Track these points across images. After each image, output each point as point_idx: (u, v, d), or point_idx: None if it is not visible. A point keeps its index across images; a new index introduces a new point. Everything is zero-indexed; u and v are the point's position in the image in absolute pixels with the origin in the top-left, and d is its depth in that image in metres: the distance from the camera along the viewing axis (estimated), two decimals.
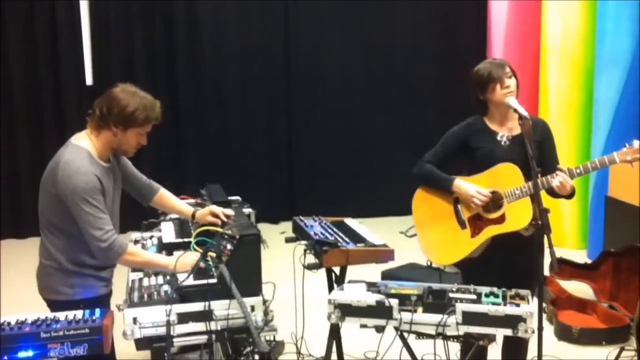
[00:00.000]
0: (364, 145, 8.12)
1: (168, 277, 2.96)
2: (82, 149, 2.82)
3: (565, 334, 4.41)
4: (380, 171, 8.15)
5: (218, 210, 3.14)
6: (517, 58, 7.24)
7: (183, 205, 3.31)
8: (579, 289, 5.03)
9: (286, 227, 7.39)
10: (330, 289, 3.53)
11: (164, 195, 3.29)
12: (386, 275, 5.52)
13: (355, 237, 3.27)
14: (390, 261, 3.17)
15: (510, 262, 3.19)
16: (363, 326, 2.80)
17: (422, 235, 3.28)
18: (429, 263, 5.83)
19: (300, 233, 3.48)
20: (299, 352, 3.80)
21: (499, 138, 3.20)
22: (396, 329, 2.80)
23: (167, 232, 3.53)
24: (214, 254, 2.76)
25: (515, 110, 3.06)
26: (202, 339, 2.74)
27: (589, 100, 6.27)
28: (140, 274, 3.08)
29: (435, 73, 8.15)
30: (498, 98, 3.13)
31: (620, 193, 4.95)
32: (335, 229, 3.38)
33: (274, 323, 2.81)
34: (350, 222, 3.60)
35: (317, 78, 7.96)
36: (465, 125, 3.30)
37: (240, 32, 7.78)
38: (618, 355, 4.13)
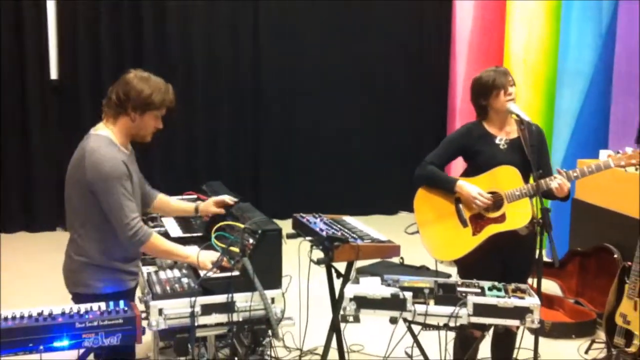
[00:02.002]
0: (331, 145, 8.29)
1: (185, 271, 3.03)
2: (104, 137, 2.87)
3: (537, 328, 4.63)
4: (342, 171, 8.35)
5: (221, 197, 3.27)
6: (480, 65, 7.56)
7: (184, 204, 3.40)
8: (545, 286, 5.29)
9: None
10: (330, 284, 3.67)
11: (164, 199, 3.35)
12: (361, 272, 5.66)
13: (360, 234, 3.40)
14: (396, 257, 3.32)
15: (505, 260, 3.38)
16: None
17: (424, 233, 3.44)
18: (400, 261, 6.10)
19: (302, 229, 3.58)
20: (301, 350, 3.90)
21: (497, 141, 3.39)
22: (405, 320, 2.95)
23: (172, 227, 3.58)
24: (236, 249, 2.85)
25: (518, 116, 3.26)
26: (224, 329, 2.83)
27: (551, 110, 6.59)
28: (153, 268, 3.13)
29: (404, 75, 8.42)
30: (501, 105, 3.33)
31: (587, 195, 5.24)
32: (339, 226, 3.50)
33: (290, 315, 2.91)
34: (349, 219, 3.73)
35: (286, 80, 8.10)
36: (466, 130, 3.48)
37: (209, 31, 7.84)
38: (589, 348, 4.42)
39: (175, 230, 3.50)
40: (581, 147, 6.11)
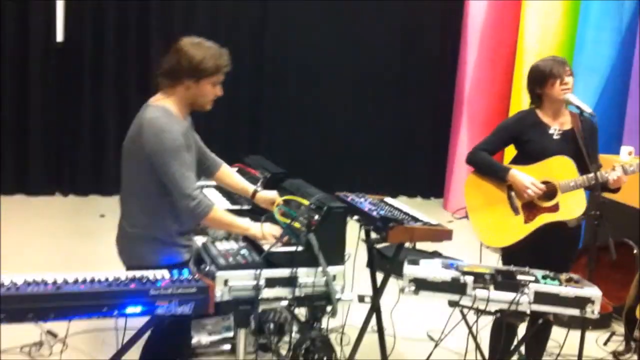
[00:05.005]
0: (333, 129, 8.26)
1: (241, 242, 2.99)
2: (163, 108, 2.79)
3: (556, 319, 4.69)
4: (346, 154, 8.32)
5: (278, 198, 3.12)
6: (492, 55, 7.58)
7: (245, 184, 3.26)
8: None
9: None
10: (372, 264, 3.66)
11: (227, 171, 3.24)
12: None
13: (409, 216, 3.39)
14: (447, 240, 3.30)
15: (549, 250, 3.39)
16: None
17: (475, 219, 3.44)
18: (412, 245, 6.13)
19: (347, 209, 3.54)
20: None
21: (550, 132, 3.40)
22: (455, 303, 2.96)
23: (217, 199, 3.53)
24: (299, 225, 2.82)
25: (578, 107, 3.27)
26: (284, 303, 2.81)
27: None
28: (204, 238, 3.09)
29: (409, 61, 8.41)
30: (556, 94, 3.33)
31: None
32: (386, 206, 3.49)
33: (349, 293, 2.90)
34: (391, 201, 3.71)
35: (291, 66, 8.05)
36: (519, 117, 3.49)
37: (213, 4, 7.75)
38: (608, 340, 4.50)
39: (222, 202, 3.46)
40: None
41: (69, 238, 6.06)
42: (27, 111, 7.32)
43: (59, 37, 7.32)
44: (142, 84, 7.49)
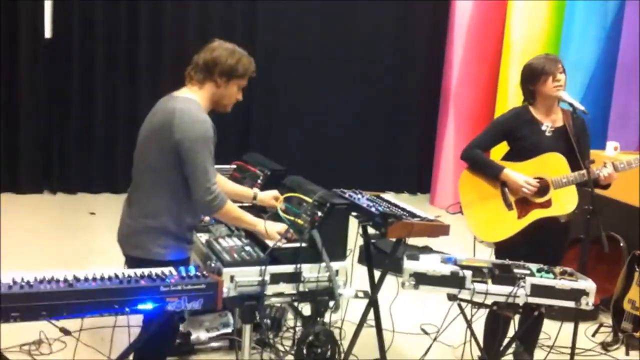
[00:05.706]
0: (317, 124, 8.30)
1: (244, 239, 3.04)
2: (194, 100, 2.86)
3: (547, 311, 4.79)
4: (330, 150, 8.38)
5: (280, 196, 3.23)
6: (478, 52, 7.67)
7: (242, 189, 3.35)
8: None
9: None
10: (369, 260, 3.73)
11: (222, 179, 3.28)
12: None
13: (406, 212, 3.46)
14: (444, 235, 3.38)
15: (541, 244, 3.48)
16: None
17: (469, 214, 3.52)
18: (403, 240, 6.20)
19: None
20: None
21: (543, 128, 3.49)
22: (454, 297, 3.04)
23: None
24: (302, 222, 2.88)
25: (571, 104, 3.36)
26: (287, 299, 2.88)
27: None
28: (206, 235, 3.14)
29: (392, 62, 8.49)
30: (548, 91, 3.42)
31: None
32: (384, 203, 3.55)
33: (350, 288, 2.97)
34: (388, 197, 3.78)
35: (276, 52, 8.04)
36: (513, 114, 3.57)
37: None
38: (596, 331, 4.61)
39: None
40: None
41: (59, 236, 6.06)
42: (15, 108, 7.28)
43: (48, 33, 7.31)
44: (132, 80, 7.52)
